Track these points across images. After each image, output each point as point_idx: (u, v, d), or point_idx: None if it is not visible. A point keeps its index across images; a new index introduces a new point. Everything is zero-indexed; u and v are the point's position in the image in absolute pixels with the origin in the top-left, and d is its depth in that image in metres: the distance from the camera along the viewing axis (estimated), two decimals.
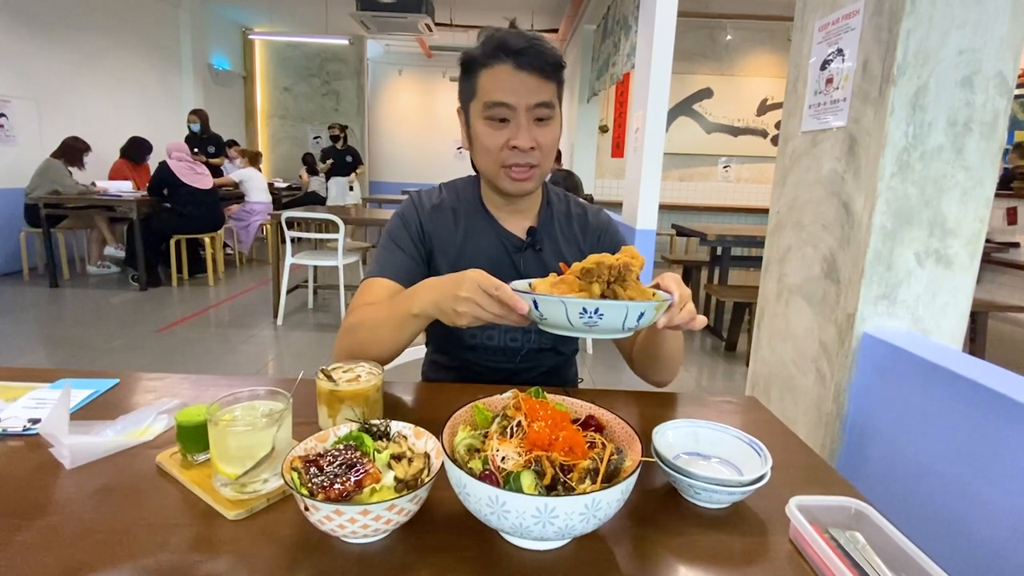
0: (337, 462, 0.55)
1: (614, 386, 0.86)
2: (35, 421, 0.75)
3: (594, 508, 0.49)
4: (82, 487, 0.63)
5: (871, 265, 1.32)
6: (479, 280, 0.70)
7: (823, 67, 1.56)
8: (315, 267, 4.42)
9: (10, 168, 5.00)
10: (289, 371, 3.18)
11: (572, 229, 1.05)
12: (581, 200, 1.11)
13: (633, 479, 0.52)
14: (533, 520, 0.48)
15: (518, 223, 1.03)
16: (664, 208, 4.88)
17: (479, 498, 0.50)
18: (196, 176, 4.86)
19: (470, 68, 0.91)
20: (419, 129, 10.65)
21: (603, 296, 0.66)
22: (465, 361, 1.05)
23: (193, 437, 0.66)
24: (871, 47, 1.33)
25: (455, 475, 0.52)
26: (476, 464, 0.54)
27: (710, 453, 0.71)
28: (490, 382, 1.02)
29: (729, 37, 7.43)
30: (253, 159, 5.91)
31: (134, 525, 0.57)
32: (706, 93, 7.74)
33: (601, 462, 0.54)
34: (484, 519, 0.52)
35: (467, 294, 0.70)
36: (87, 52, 5.91)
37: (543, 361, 1.06)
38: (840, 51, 1.48)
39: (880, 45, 1.30)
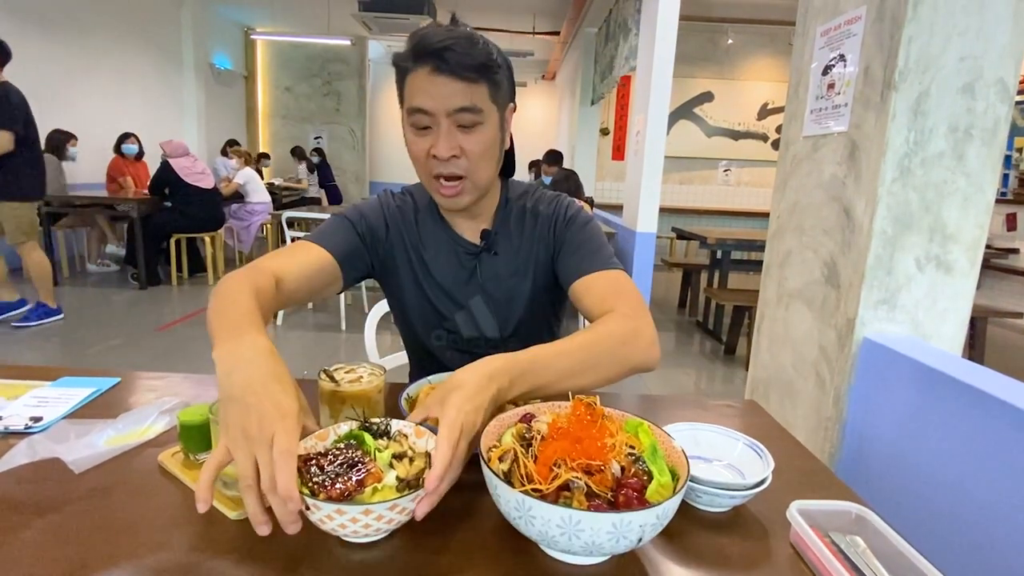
0: (338, 461, 0.54)
1: (612, 389, 0.85)
2: (36, 419, 0.75)
3: (624, 528, 0.47)
4: (84, 485, 0.63)
5: (871, 270, 1.32)
6: (281, 433, 0.50)
7: (825, 72, 1.56)
8: None
9: None
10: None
11: (526, 225, 1.00)
12: (544, 191, 1.05)
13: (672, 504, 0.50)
14: (559, 531, 0.48)
15: (472, 227, 0.98)
16: (664, 211, 4.89)
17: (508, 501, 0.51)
18: (198, 175, 4.86)
19: (399, 72, 0.85)
20: None
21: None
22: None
23: (195, 436, 0.66)
24: (873, 53, 1.34)
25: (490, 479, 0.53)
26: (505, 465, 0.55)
27: (711, 456, 0.71)
28: None
29: (730, 41, 7.44)
30: (248, 159, 5.90)
31: (136, 524, 0.57)
32: (707, 97, 7.75)
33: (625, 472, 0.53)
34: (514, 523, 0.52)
35: (238, 438, 0.51)
36: (88, 50, 5.92)
37: None
38: (842, 56, 1.48)
39: (882, 51, 1.30)
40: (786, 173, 1.75)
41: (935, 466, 1.10)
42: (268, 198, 5.94)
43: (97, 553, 0.52)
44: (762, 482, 0.62)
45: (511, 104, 0.91)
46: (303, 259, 0.87)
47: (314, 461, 0.55)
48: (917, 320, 1.35)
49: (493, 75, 0.83)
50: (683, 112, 7.73)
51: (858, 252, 1.35)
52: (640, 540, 0.49)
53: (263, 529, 0.49)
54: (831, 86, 1.53)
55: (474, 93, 0.81)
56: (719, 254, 4.33)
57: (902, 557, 0.53)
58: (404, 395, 0.78)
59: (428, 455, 0.59)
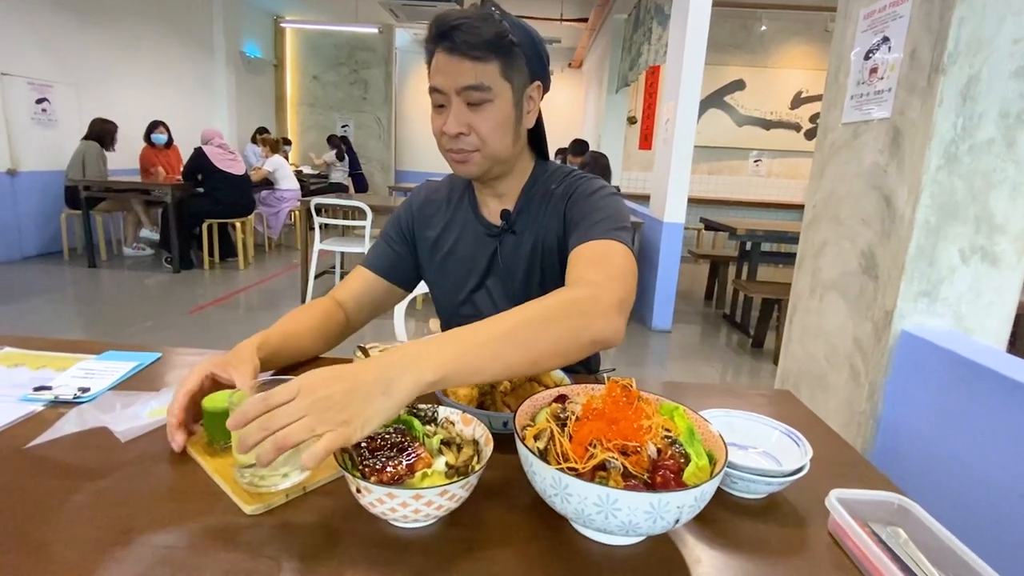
0: (388, 445, 0.54)
1: (639, 377, 0.84)
2: (84, 390, 0.78)
3: (661, 508, 0.47)
4: (130, 453, 0.65)
5: (912, 261, 1.28)
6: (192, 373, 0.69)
7: (867, 56, 1.51)
8: (342, 253, 4.48)
9: (52, 151, 5.16)
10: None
11: (550, 204, 0.97)
12: (569, 170, 1.01)
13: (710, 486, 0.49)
14: (596, 509, 0.48)
15: (498, 207, 1.00)
16: (691, 202, 4.80)
17: (544, 478, 0.50)
18: (229, 162, 4.95)
19: (427, 56, 0.89)
20: None
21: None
22: None
23: (219, 424, 0.63)
24: (920, 35, 1.29)
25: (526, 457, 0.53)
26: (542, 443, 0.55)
27: (746, 443, 0.70)
28: None
29: (764, 28, 7.25)
30: (275, 147, 5.98)
31: (181, 491, 0.59)
32: (738, 85, 7.58)
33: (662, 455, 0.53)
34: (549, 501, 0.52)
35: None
36: (124, 39, 6.05)
37: None
38: (886, 39, 1.43)
39: (930, 33, 1.25)
40: (823, 161, 1.70)
41: (976, 464, 1.07)
42: (297, 185, 6.02)
43: (144, 517, 0.54)
44: (800, 470, 0.61)
45: (536, 83, 0.91)
46: (355, 286, 1.02)
47: (364, 445, 0.55)
48: (959, 313, 1.30)
49: (506, 52, 0.84)
50: (713, 101, 7.57)
51: (898, 242, 1.31)
52: (677, 521, 0.49)
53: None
54: (874, 71, 1.48)
55: (482, 71, 0.83)
56: (748, 246, 4.25)
57: (948, 550, 0.51)
58: None
59: (476, 442, 0.59)
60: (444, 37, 0.82)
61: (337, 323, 0.97)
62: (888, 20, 1.42)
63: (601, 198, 0.91)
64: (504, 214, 0.98)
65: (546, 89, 0.93)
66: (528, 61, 0.88)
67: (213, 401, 0.66)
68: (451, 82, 0.83)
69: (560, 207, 0.95)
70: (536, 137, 0.99)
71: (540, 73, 0.91)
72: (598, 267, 0.76)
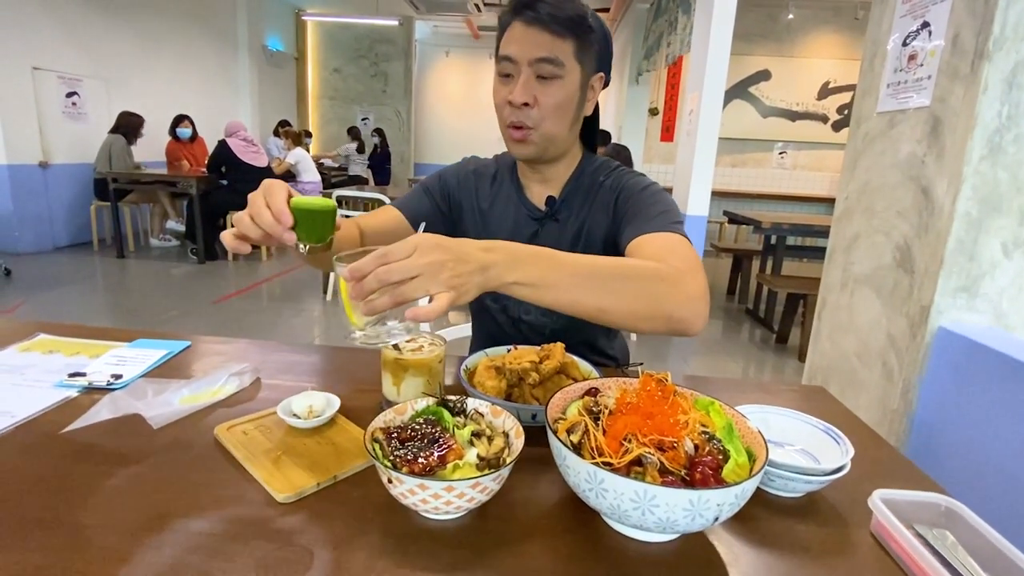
0: (419, 436, 0.54)
1: (663, 370, 0.81)
2: (117, 377, 0.79)
3: (701, 506, 0.45)
4: (162, 440, 0.66)
5: (951, 255, 1.24)
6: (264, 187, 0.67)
7: (905, 43, 1.46)
8: None
9: (82, 144, 5.27)
10: (339, 344, 3.27)
11: (598, 196, 0.98)
12: (615, 164, 1.02)
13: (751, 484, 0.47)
14: (632, 505, 0.46)
15: (542, 192, 1.00)
16: (714, 195, 4.71)
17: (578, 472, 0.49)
18: (253, 155, 5.01)
19: (500, 28, 0.90)
20: (465, 111, 10.65)
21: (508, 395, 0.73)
22: (501, 337, 1.05)
23: (309, 222, 0.63)
24: (963, 20, 1.24)
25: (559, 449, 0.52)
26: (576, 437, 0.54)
27: (783, 440, 0.68)
28: None
29: (791, 16, 7.07)
30: (296, 140, 6.02)
31: (213, 479, 0.59)
32: (763, 75, 7.41)
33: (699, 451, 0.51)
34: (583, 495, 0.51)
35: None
36: (151, 33, 6.14)
37: (575, 338, 1.01)
38: (926, 24, 1.38)
39: (974, 17, 1.20)
40: (856, 152, 1.65)
41: (1018, 465, 1.03)
42: (318, 177, 6.06)
43: (177, 503, 0.54)
44: (840, 468, 0.59)
45: (600, 74, 0.92)
46: (381, 219, 0.99)
47: (395, 435, 0.55)
48: (1001, 310, 1.26)
49: (583, 34, 0.85)
50: (737, 91, 7.41)
51: (937, 235, 1.27)
52: (716, 520, 0.47)
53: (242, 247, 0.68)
54: (912, 57, 1.43)
55: (558, 46, 0.84)
56: (773, 239, 4.17)
57: (1000, 555, 0.49)
58: (463, 366, 0.78)
59: (506, 435, 0.59)
60: (527, 7, 0.83)
61: (352, 240, 0.92)
62: (928, 4, 1.37)
63: (653, 193, 0.93)
64: (549, 200, 0.99)
65: (606, 83, 0.95)
66: (599, 50, 0.89)
67: (303, 202, 0.63)
68: (526, 52, 0.84)
69: (610, 200, 0.96)
70: (590, 129, 1.01)
71: (604, 66, 0.93)
72: (671, 256, 0.74)
